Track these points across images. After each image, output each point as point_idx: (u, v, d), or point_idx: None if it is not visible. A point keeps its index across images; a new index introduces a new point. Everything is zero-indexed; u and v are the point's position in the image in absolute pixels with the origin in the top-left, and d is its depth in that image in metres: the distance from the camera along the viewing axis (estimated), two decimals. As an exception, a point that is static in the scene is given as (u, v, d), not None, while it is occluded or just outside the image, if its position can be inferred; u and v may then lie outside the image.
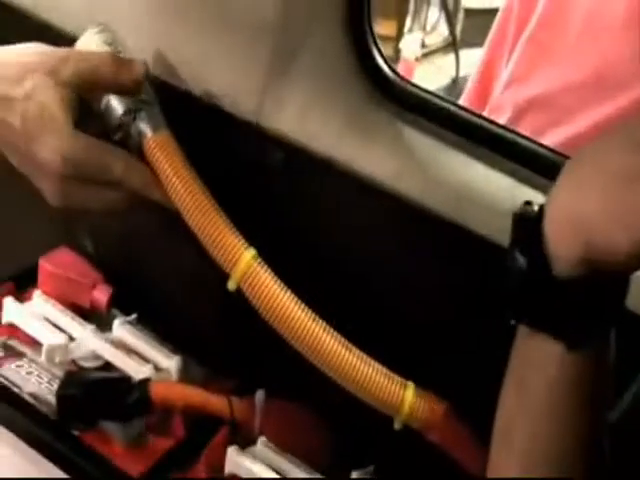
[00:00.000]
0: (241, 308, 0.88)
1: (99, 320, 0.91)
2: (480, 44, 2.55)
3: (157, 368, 0.86)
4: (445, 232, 0.77)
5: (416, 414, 0.73)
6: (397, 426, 0.74)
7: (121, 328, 0.89)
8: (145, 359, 0.87)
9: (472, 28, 2.59)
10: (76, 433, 0.81)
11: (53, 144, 0.72)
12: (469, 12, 2.61)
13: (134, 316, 0.91)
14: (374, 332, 0.82)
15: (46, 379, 0.85)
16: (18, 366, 0.86)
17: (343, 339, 0.74)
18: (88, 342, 0.87)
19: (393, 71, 0.82)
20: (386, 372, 0.74)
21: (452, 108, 0.81)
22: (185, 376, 0.87)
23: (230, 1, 0.82)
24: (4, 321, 0.90)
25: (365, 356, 0.74)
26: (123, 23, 0.87)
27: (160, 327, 0.91)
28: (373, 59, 0.81)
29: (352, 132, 0.81)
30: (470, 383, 0.78)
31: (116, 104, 0.77)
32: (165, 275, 0.94)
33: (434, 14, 2.49)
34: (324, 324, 0.74)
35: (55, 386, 0.83)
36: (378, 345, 0.76)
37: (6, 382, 0.84)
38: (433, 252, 0.80)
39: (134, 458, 0.81)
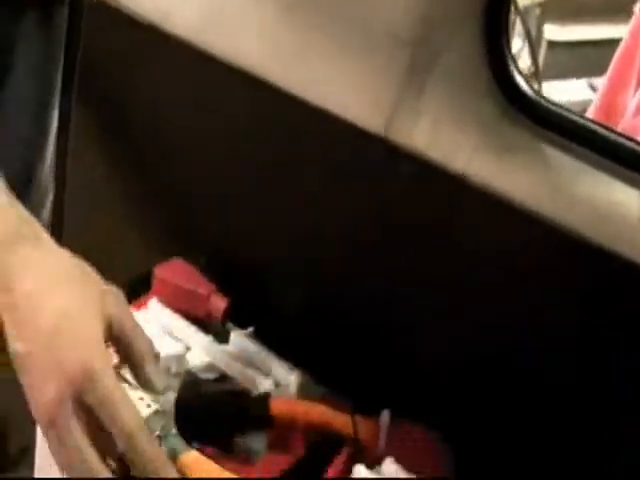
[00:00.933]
0: (361, 325, 0.87)
1: (213, 332, 0.90)
2: (561, 76, 2.55)
3: (275, 383, 0.84)
4: (583, 251, 0.75)
5: None
6: None
7: (238, 340, 0.87)
8: (263, 373, 0.85)
9: (554, 61, 2.58)
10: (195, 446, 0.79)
11: (85, 351, 0.56)
12: (551, 44, 2.60)
13: (251, 329, 0.89)
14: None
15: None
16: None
17: None
18: (206, 353, 0.86)
19: (530, 87, 0.80)
20: None
21: (591, 126, 0.79)
22: (303, 393, 0.85)
23: (366, 16, 0.81)
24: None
25: None
26: (253, 33, 0.86)
27: (275, 343, 0.89)
28: (510, 74, 0.79)
29: (486, 148, 0.79)
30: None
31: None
32: (279, 289, 0.93)
33: (517, 43, 2.47)
34: None
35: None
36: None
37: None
38: (571, 272, 0.77)
39: (252, 474, 0.79)
